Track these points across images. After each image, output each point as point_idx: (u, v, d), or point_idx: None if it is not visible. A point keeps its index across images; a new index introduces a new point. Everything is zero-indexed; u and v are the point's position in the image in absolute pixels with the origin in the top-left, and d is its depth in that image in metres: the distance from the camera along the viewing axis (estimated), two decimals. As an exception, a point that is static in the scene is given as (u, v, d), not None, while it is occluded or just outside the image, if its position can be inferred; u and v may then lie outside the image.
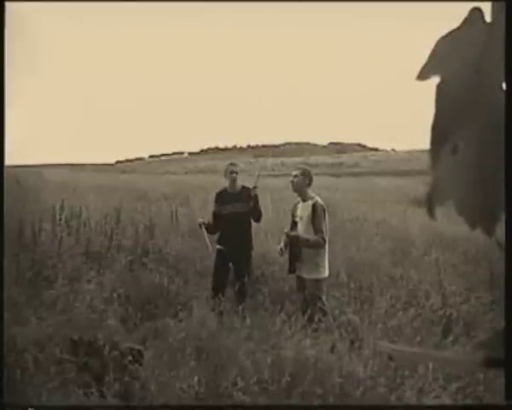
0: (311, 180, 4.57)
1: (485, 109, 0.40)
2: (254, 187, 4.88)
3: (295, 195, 4.64)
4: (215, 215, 5.01)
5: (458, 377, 3.08)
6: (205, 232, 5.06)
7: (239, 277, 4.78)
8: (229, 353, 3.40)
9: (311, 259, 4.36)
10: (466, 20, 0.41)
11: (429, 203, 0.42)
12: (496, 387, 3.01)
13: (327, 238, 4.39)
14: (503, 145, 0.40)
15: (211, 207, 5.16)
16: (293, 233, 4.43)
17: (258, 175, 5.15)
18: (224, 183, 5.10)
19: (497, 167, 0.40)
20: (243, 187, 5.00)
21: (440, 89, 0.42)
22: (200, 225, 5.08)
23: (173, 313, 4.39)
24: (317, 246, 4.34)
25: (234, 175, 4.94)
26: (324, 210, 4.41)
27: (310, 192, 4.54)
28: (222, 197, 4.99)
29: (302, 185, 4.53)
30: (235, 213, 4.84)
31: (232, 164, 5.03)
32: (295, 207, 4.61)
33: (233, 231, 4.84)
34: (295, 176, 4.54)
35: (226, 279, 4.88)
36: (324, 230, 4.35)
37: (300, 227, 4.44)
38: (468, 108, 0.41)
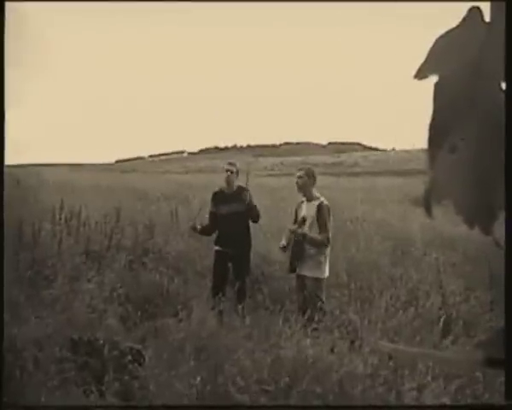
0: (315, 180, 4.57)
1: (484, 108, 0.40)
2: (246, 185, 4.88)
3: (296, 194, 4.64)
4: (212, 215, 5.00)
5: (458, 376, 3.07)
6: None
7: (238, 277, 4.77)
8: (228, 352, 3.40)
9: (314, 258, 4.36)
10: (465, 19, 0.41)
11: (427, 202, 0.42)
12: (495, 387, 3.01)
13: (330, 239, 4.41)
14: (501, 144, 0.40)
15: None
16: (300, 231, 4.41)
17: (247, 175, 5.09)
18: (223, 182, 5.08)
19: (495, 166, 0.40)
20: (239, 187, 4.99)
21: (438, 87, 0.42)
22: (193, 229, 5.07)
23: (173, 312, 4.39)
24: (322, 245, 4.35)
25: (229, 173, 4.92)
26: (329, 210, 4.41)
27: (315, 192, 4.54)
28: (218, 197, 4.99)
29: (307, 185, 4.52)
30: (232, 213, 4.82)
31: (230, 163, 5.02)
32: (299, 207, 4.61)
33: (231, 231, 4.82)
34: (300, 177, 4.53)
35: (226, 279, 4.87)
36: (329, 230, 4.37)
37: (306, 226, 4.43)
38: (466, 106, 0.41)
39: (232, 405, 2.96)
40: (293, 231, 4.46)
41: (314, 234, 4.38)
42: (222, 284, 4.80)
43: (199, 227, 4.98)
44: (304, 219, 4.51)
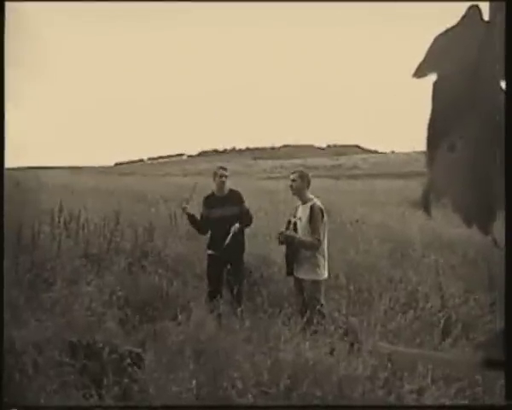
0: (309, 182, 4.58)
1: (483, 107, 0.40)
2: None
3: (295, 198, 4.65)
4: (204, 218, 4.99)
5: (458, 379, 3.07)
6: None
7: (235, 280, 4.76)
8: (227, 355, 3.40)
9: (309, 260, 4.37)
10: (464, 18, 0.41)
11: (425, 201, 0.42)
12: (495, 388, 3.01)
13: (325, 241, 4.40)
14: (500, 143, 0.40)
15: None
16: (288, 233, 4.43)
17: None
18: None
19: (494, 166, 0.40)
20: (231, 190, 4.99)
21: (437, 86, 0.42)
22: (183, 209, 5.05)
23: (172, 315, 4.38)
24: (313, 247, 4.34)
25: (223, 179, 4.92)
26: (322, 212, 4.42)
27: (309, 194, 4.55)
28: (210, 201, 4.97)
29: (301, 188, 4.54)
30: (224, 217, 4.82)
31: (222, 168, 5.02)
32: (296, 210, 4.62)
33: (223, 235, 4.81)
34: (293, 180, 4.55)
35: (221, 283, 4.85)
36: (321, 231, 4.36)
37: (299, 229, 4.45)
38: (465, 105, 0.41)
39: (231, 406, 2.96)
40: (282, 234, 4.46)
41: (305, 236, 4.38)
42: (218, 287, 4.79)
43: (188, 210, 4.98)
44: (289, 222, 4.53)
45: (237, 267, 4.86)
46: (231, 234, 4.78)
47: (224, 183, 4.93)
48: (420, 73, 0.42)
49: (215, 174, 4.99)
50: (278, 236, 4.50)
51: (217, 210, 4.87)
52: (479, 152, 0.40)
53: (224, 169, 5.00)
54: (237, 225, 4.79)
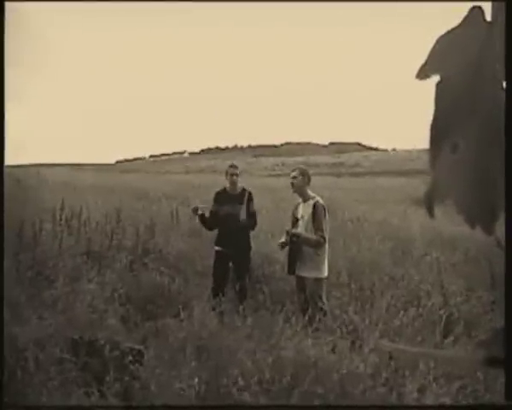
0: (309, 179, 4.59)
1: (485, 108, 0.40)
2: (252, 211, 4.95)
3: (296, 195, 4.65)
4: (213, 214, 5.01)
5: (459, 376, 3.07)
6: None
7: (239, 277, 4.78)
8: (229, 353, 3.40)
9: (312, 258, 4.37)
10: (466, 19, 0.41)
11: (429, 202, 0.42)
12: (496, 386, 3.01)
13: (327, 237, 4.41)
14: (502, 144, 0.40)
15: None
16: (294, 231, 4.43)
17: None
18: (224, 182, 5.12)
19: (497, 166, 0.40)
20: (243, 189, 5.01)
21: (440, 87, 0.42)
22: (193, 211, 5.03)
23: (174, 312, 4.38)
24: (318, 245, 4.35)
25: (234, 177, 4.97)
26: (325, 210, 4.43)
27: (310, 192, 4.55)
28: (221, 197, 5.00)
29: (302, 185, 4.55)
30: (233, 214, 4.84)
31: (233, 166, 5.05)
32: (296, 208, 4.62)
33: (231, 232, 4.83)
34: (294, 177, 4.56)
35: (226, 280, 4.88)
36: (324, 229, 4.36)
37: (301, 226, 4.45)
38: (467, 106, 0.41)
39: (233, 405, 2.96)
40: (288, 232, 4.46)
41: (309, 234, 4.39)
42: (222, 284, 4.81)
43: (200, 212, 4.97)
44: (297, 220, 4.53)
45: (243, 265, 4.88)
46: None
47: (235, 181, 4.96)
48: (422, 74, 0.42)
49: (226, 173, 5.06)
50: (285, 234, 4.49)
51: (227, 207, 4.90)
52: (481, 153, 0.40)
53: (235, 167, 5.04)
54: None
